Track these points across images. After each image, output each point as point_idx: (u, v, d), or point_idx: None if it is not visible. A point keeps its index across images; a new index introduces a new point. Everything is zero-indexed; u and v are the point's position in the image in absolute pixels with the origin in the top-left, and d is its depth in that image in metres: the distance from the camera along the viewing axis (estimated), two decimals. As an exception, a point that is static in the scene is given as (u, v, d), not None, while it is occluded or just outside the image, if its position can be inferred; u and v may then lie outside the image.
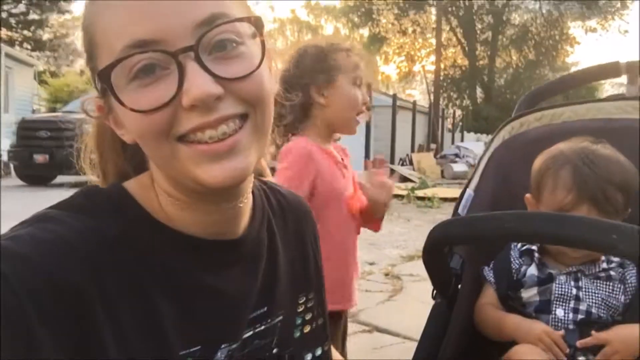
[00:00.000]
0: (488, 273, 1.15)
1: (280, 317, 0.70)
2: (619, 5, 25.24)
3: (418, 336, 1.06)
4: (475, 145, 17.95)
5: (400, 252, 5.28)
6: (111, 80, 0.56)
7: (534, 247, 1.12)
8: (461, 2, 26.64)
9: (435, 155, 16.57)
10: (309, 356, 0.73)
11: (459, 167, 15.12)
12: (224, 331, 0.63)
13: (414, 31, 28.60)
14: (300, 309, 0.74)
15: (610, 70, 1.49)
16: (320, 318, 0.77)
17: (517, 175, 1.26)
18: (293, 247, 0.76)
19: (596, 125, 1.26)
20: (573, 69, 31.23)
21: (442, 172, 14.94)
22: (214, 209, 0.63)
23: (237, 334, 0.64)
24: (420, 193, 9.21)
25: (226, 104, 0.56)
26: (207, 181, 0.57)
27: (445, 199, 9.04)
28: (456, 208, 1.25)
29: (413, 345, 1.06)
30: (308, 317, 0.74)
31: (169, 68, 0.55)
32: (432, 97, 21.59)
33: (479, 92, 28.95)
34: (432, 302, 1.14)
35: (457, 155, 16.26)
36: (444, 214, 7.90)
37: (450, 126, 24.34)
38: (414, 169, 14.41)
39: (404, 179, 11.68)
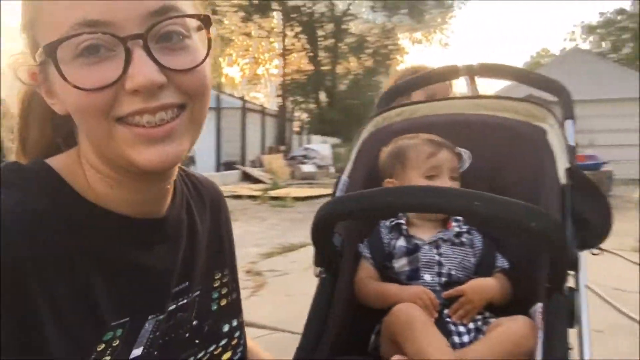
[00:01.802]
0: (364, 249, 1.28)
1: (199, 292, 0.74)
2: (439, 20, 27.99)
3: (284, 326, 1.15)
4: (322, 147, 18.74)
5: (259, 250, 5.38)
6: (57, 55, 0.56)
7: (402, 221, 1.28)
8: (304, 8, 27.56)
9: (284, 157, 16.97)
10: (226, 327, 0.78)
11: (307, 167, 15.69)
12: (151, 304, 0.66)
13: (259, 35, 28.96)
14: (217, 284, 0.79)
15: (450, 72, 1.72)
16: (235, 292, 0.83)
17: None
18: (209, 227, 0.80)
19: (449, 119, 1.46)
20: (405, 77, 33.94)
21: (292, 173, 15.36)
22: (143, 189, 0.66)
23: (163, 307, 0.67)
24: (273, 193, 9.42)
25: (167, 92, 0.59)
26: (140, 163, 0.59)
27: (297, 198, 9.36)
28: (334, 193, 1.37)
29: (282, 336, 1.15)
30: (224, 291, 0.80)
31: (115, 50, 0.57)
32: (281, 100, 22.05)
33: (323, 96, 30.18)
34: (294, 294, 1.25)
35: (305, 156, 16.83)
36: (299, 212, 8.18)
37: (297, 129, 25.06)
38: (264, 171, 14.63)
39: (256, 181, 11.80)
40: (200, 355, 0.72)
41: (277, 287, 3.91)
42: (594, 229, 1.18)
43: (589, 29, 28.92)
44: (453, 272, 1.19)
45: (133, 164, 0.60)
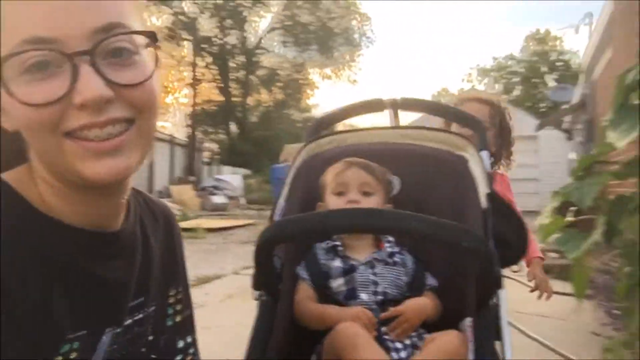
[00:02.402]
0: (301, 270, 1.32)
1: (154, 307, 0.75)
2: (347, 57, 29.05)
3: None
4: (233, 178, 18.58)
5: (171, 283, 5.21)
6: (2, 72, 0.57)
7: (338, 243, 1.33)
8: (215, 39, 27.55)
9: (194, 188, 16.63)
10: (180, 343, 0.79)
11: (218, 199, 15.46)
12: (108, 317, 0.67)
13: (169, 64, 28.49)
14: (172, 300, 0.80)
15: (375, 105, 1.83)
16: (188, 309, 0.83)
17: (317, 187, 1.47)
18: (163, 244, 0.81)
19: (378, 147, 1.54)
20: (314, 111, 34.70)
21: (202, 204, 15.06)
22: (96, 203, 0.66)
23: (120, 320, 0.68)
24: (184, 225, 9.19)
25: (115, 107, 0.60)
26: (90, 177, 0.60)
27: (209, 230, 9.19)
28: (271, 217, 1.40)
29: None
30: (178, 307, 0.81)
31: (62, 67, 0.58)
32: (190, 130, 21.68)
33: (234, 127, 30.07)
34: (210, 326, 1.26)
35: (216, 187, 16.60)
36: (211, 243, 8.03)
37: (207, 159, 24.70)
38: (173, 202, 14.23)
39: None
40: None
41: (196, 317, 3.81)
42: (512, 248, 1.30)
43: (483, 72, 31.29)
44: (388, 291, 1.25)
45: (82, 178, 0.60)
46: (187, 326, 0.82)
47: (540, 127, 13.76)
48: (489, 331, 1.12)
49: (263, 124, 30.69)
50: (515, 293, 1.19)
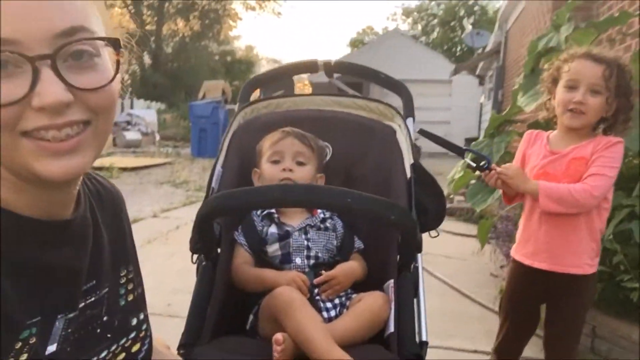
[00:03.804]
0: (239, 236, 1.39)
1: (107, 289, 0.77)
2: (272, -12, 28.13)
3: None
4: (146, 112, 17.86)
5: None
6: None
7: (273, 210, 1.41)
8: (126, -38, 25.63)
9: (106, 122, 15.83)
10: (134, 320, 0.82)
11: (131, 135, 14.89)
12: (60, 303, 0.68)
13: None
14: (123, 280, 0.82)
15: (309, 66, 1.88)
16: (140, 287, 0.87)
17: (253, 153, 1.53)
18: (112, 227, 0.83)
19: (312, 114, 1.61)
20: (235, 43, 33.59)
21: (114, 140, 14.46)
22: (47, 195, 0.67)
23: (72, 305, 0.70)
24: (96, 163, 8.82)
25: (74, 110, 0.61)
26: (44, 175, 0.61)
27: (124, 169, 8.90)
28: (209, 182, 1.44)
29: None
30: (130, 286, 0.83)
31: (22, 68, 0.58)
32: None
33: (147, 58, 28.60)
34: None
35: (129, 122, 15.92)
36: (127, 184, 7.81)
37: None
38: (84, 137, 13.55)
39: (76, 148, 10.89)
40: (112, 348, 0.76)
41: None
42: (431, 214, 1.43)
43: (407, 12, 31.47)
44: (320, 255, 1.35)
45: (37, 176, 0.61)
46: (139, 304, 0.85)
47: (455, 72, 14.21)
48: (408, 292, 1.26)
49: (178, 56, 29.40)
50: (425, 235, 1.31)
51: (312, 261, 1.34)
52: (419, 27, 29.73)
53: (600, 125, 1.76)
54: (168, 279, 3.49)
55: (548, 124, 1.90)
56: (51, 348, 0.65)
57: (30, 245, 0.66)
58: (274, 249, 1.35)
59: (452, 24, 27.93)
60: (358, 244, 1.43)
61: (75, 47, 0.61)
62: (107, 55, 0.65)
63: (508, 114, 2.77)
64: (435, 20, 28.83)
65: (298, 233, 1.37)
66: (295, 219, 1.40)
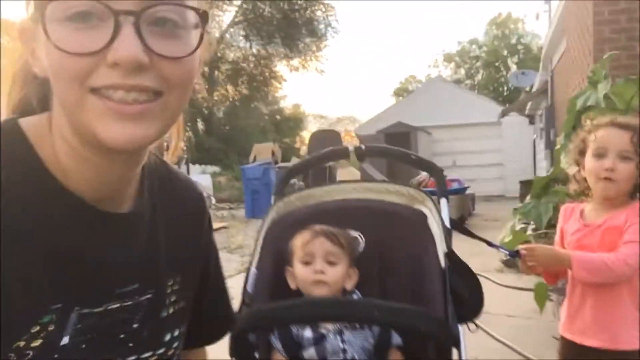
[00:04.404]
0: (275, 340, 1.39)
1: (149, 296, 0.73)
2: (314, 48, 29.07)
3: None
4: (202, 177, 18.44)
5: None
6: (46, 12, 0.57)
7: None
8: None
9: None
10: (167, 336, 0.76)
11: (189, 200, 15.34)
12: (82, 296, 0.66)
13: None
14: (169, 290, 0.77)
15: (340, 153, 1.92)
16: (183, 302, 0.81)
17: (286, 251, 1.54)
18: (175, 231, 0.79)
19: (341, 206, 1.62)
20: (282, 103, 34.57)
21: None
22: (106, 169, 0.65)
23: (95, 302, 0.67)
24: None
25: (147, 75, 0.59)
26: (106, 138, 0.59)
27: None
28: (245, 285, 1.46)
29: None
30: (174, 298, 0.78)
31: (105, 22, 0.57)
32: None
33: (200, 124, 29.82)
34: None
35: (186, 188, 16.46)
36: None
37: (175, 159, 24.42)
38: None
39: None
40: (132, 358, 0.71)
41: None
42: (469, 304, 1.40)
43: (449, 57, 31.67)
44: (356, 357, 1.33)
45: (98, 139, 0.59)
46: (178, 319, 0.79)
47: (503, 114, 14.07)
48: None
49: (229, 119, 30.52)
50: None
51: (349, 364, 1.32)
52: (462, 71, 29.74)
53: (637, 194, 1.70)
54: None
55: (580, 196, 1.86)
56: (65, 340, 0.63)
57: (72, 228, 0.64)
58: (310, 353, 1.34)
59: (497, 64, 27.80)
60: (396, 340, 1.40)
61: (162, 13, 0.59)
62: (192, 30, 0.63)
63: (553, 173, 2.70)
64: (479, 63, 28.80)
65: (333, 335, 1.36)
66: (330, 317, 1.40)
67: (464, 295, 1.40)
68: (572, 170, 1.91)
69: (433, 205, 1.56)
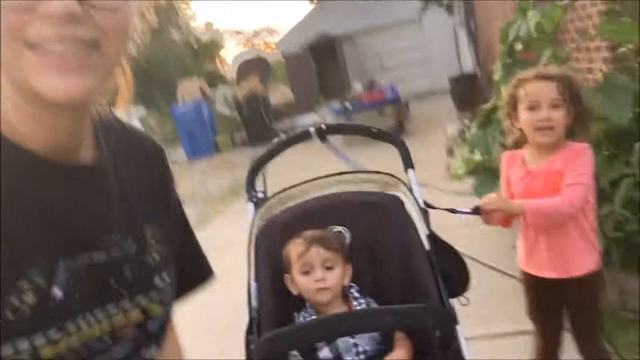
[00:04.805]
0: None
1: (132, 244, 0.75)
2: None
3: None
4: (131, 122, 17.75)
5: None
6: None
7: (311, 311, 1.52)
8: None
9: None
10: (157, 280, 0.78)
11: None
12: (65, 249, 0.67)
13: None
14: (149, 238, 0.79)
15: (303, 136, 1.95)
16: (166, 248, 0.82)
17: (281, 256, 1.62)
18: (140, 178, 0.81)
19: (323, 204, 1.69)
20: (192, 23, 32.83)
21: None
22: (54, 124, 0.65)
23: (79, 253, 0.68)
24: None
25: (82, 26, 0.59)
26: (45, 92, 0.59)
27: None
28: (249, 299, 1.54)
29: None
30: (155, 245, 0.80)
31: None
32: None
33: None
34: None
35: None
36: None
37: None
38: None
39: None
40: (126, 304, 0.73)
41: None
42: (455, 280, 1.54)
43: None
44: (368, 348, 1.47)
45: (39, 94, 0.60)
46: (164, 264, 0.81)
47: (423, 9, 14.07)
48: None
49: (144, 54, 28.89)
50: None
51: (362, 357, 1.46)
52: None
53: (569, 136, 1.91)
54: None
55: (518, 145, 2.02)
56: (57, 292, 0.65)
57: (41, 185, 0.65)
58: (324, 353, 1.47)
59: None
60: (398, 324, 1.54)
61: None
62: None
63: (494, 103, 2.83)
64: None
65: None
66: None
67: (451, 272, 1.53)
68: (506, 124, 2.05)
69: (406, 188, 1.66)
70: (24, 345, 0.61)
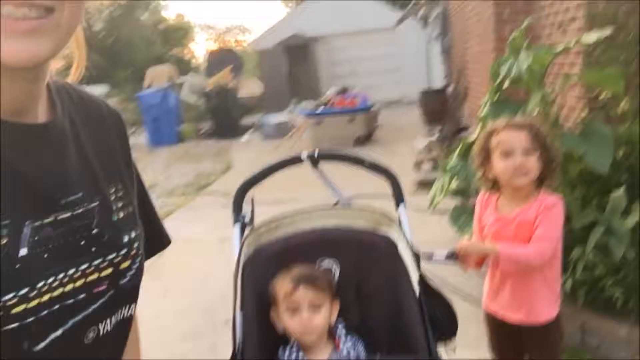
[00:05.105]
0: None
1: (97, 203, 0.76)
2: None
3: None
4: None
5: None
6: None
7: (298, 348, 1.49)
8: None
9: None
10: (125, 237, 0.79)
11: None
12: (29, 209, 0.67)
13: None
14: (113, 197, 0.80)
15: (294, 160, 1.93)
16: (131, 206, 0.83)
17: (267, 287, 1.58)
18: (99, 141, 0.81)
19: (313, 238, 1.66)
20: (163, 13, 32.18)
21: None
22: (7, 86, 0.65)
23: (43, 214, 0.69)
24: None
25: None
26: None
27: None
28: (234, 330, 1.50)
29: None
30: (120, 204, 0.81)
31: None
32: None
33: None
34: None
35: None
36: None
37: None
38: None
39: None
40: (97, 261, 0.74)
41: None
42: (445, 325, 1.55)
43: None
44: None
45: None
46: (131, 222, 0.82)
47: (400, 21, 14.19)
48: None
49: (110, 33, 28.13)
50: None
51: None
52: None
53: (541, 184, 2.00)
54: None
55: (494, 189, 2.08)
56: (23, 251, 0.65)
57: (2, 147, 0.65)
58: None
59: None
60: (383, 364, 1.53)
61: None
62: None
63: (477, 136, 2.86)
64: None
65: None
66: (320, 354, 1.49)
67: (439, 317, 1.54)
68: (479, 173, 2.11)
69: (399, 229, 1.65)
70: None
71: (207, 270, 4.55)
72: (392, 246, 1.62)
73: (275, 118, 12.10)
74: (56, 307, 0.67)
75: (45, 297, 0.66)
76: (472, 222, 2.79)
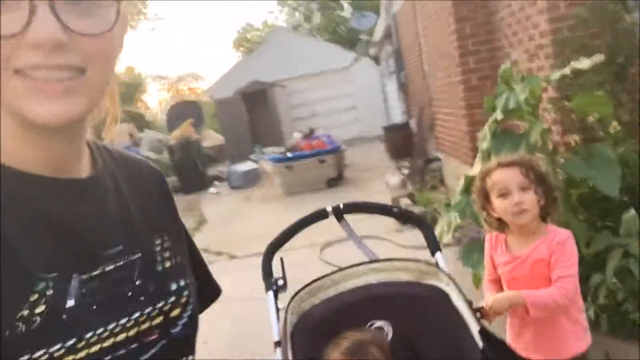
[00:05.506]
0: None
1: (139, 254, 0.76)
2: (140, 7, 27.07)
3: None
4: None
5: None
6: None
7: None
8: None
9: None
10: (173, 285, 0.79)
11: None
12: (76, 263, 0.68)
13: None
14: (159, 248, 0.80)
15: (320, 215, 1.85)
16: (179, 256, 0.84)
17: (319, 354, 1.48)
18: (140, 195, 0.82)
19: (360, 297, 1.57)
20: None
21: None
22: (48, 147, 0.67)
23: (89, 267, 0.69)
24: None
25: (69, 53, 0.60)
26: (32, 117, 0.61)
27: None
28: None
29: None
30: (166, 255, 0.81)
31: (20, 3, 0.57)
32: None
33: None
34: None
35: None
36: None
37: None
38: None
39: None
40: (147, 310, 0.74)
41: None
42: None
43: (283, 2, 31.20)
44: None
45: (26, 117, 0.61)
46: (179, 271, 0.82)
47: (355, 60, 14.51)
48: None
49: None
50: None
51: None
52: (297, 14, 29.74)
53: (546, 217, 2.00)
54: None
55: (501, 229, 2.06)
56: (70, 303, 0.65)
57: (43, 203, 0.66)
58: None
59: (332, 4, 28.22)
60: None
61: None
62: (108, 5, 0.65)
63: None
64: (314, 4, 29.01)
65: None
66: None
67: (505, 371, 1.46)
68: (482, 215, 2.10)
69: (448, 279, 1.57)
70: (41, 355, 0.61)
71: (206, 330, 4.34)
72: (443, 295, 1.55)
73: (242, 167, 11.99)
74: (107, 358, 0.67)
75: (95, 348, 0.66)
76: (484, 260, 2.77)
